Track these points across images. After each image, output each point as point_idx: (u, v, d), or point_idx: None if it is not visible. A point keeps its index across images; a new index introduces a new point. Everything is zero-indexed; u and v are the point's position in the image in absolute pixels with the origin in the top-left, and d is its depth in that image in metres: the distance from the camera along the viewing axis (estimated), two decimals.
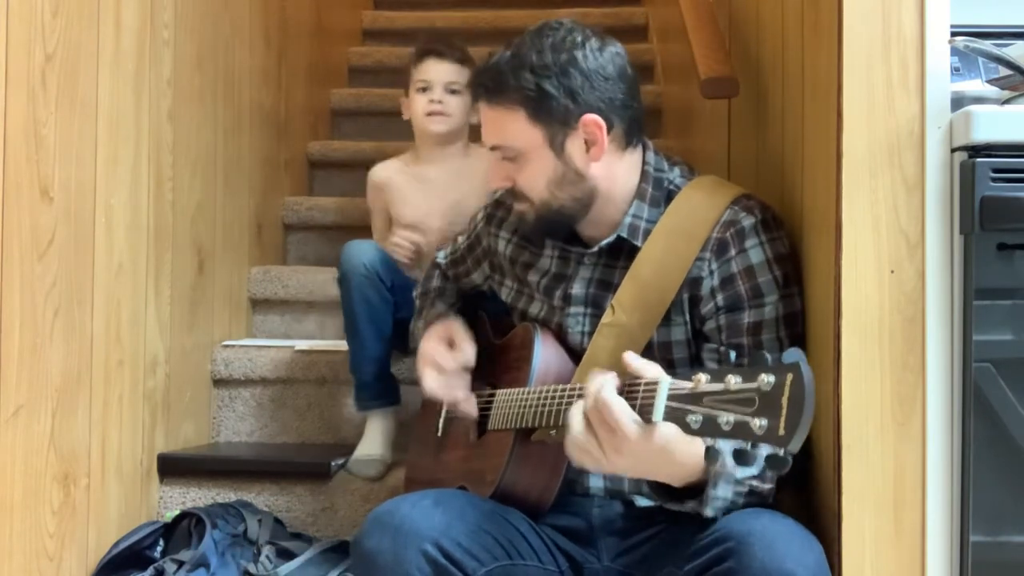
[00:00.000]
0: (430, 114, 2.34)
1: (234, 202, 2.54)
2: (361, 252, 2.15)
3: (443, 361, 1.61)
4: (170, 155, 2.14)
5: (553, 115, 1.45)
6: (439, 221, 2.36)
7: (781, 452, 1.05)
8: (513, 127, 1.46)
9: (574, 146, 1.46)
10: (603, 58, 1.46)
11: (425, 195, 2.40)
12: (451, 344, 1.64)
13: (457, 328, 1.66)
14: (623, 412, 1.18)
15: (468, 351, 1.62)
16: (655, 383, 1.17)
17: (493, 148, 1.51)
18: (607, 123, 1.45)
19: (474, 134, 2.44)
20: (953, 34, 1.32)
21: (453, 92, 2.34)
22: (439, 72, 2.34)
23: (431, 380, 1.62)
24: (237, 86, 2.54)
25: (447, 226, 2.33)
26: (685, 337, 1.47)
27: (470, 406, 1.60)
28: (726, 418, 1.07)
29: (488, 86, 1.48)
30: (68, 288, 1.76)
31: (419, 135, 2.42)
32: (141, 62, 2.01)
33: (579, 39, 1.46)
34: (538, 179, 1.48)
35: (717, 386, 1.10)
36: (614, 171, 1.50)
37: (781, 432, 1.04)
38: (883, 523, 1.30)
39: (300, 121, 3.11)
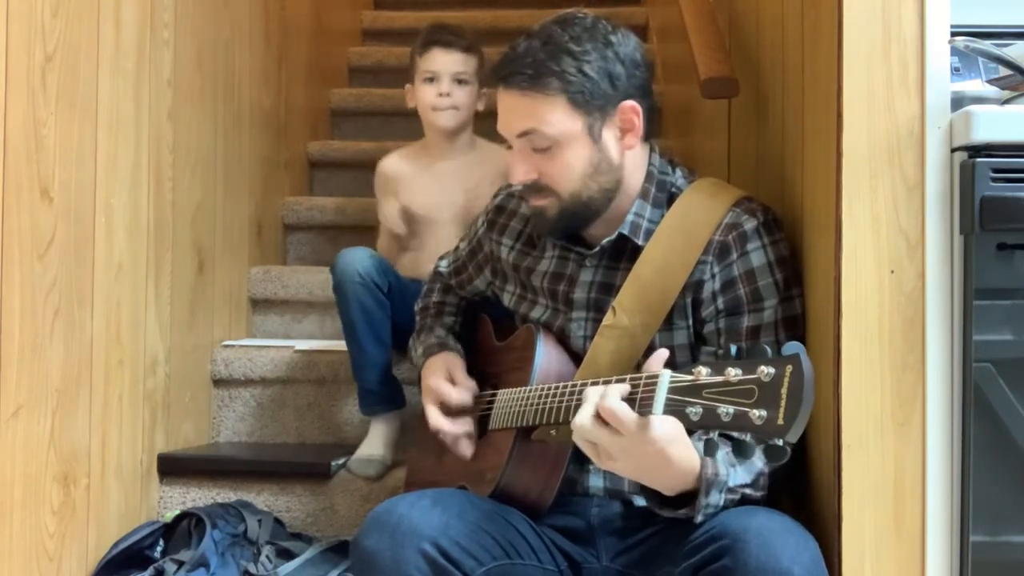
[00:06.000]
0: (437, 108, 2.33)
1: (234, 202, 2.54)
2: (355, 260, 2.14)
3: (449, 398, 1.62)
4: (170, 155, 2.14)
5: (594, 101, 1.43)
6: (449, 213, 2.37)
7: (780, 443, 1.05)
8: (552, 114, 1.42)
9: (609, 134, 1.46)
10: (632, 45, 1.47)
11: (435, 187, 2.40)
12: (452, 382, 1.64)
13: (456, 364, 1.66)
14: (624, 411, 1.18)
15: (469, 389, 1.62)
16: (655, 376, 1.17)
17: (522, 135, 1.45)
18: (642, 110, 1.46)
19: (477, 125, 2.45)
20: (953, 34, 1.32)
21: (460, 82, 2.32)
22: (446, 62, 2.32)
23: (437, 417, 1.62)
24: (237, 86, 2.54)
25: (457, 218, 2.34)
26: (687, 341, 1.47)
27: (468, 449, 1.59)
28: (725, 409, 1.08)
29: (526, 72, 1.42)
30: (68, 288, 1.76)
31: (427, 127, 2.41)
32: (141, 62, 2.01)
33: (609, 26, 1.46)
34: (572, 169, 1.45)
35: (717, 378, 1.11)
36: (634, 163, 1.51)
37: (780, 422, 1.04)
38: (883, 523, 1.30)
39: (300, 121, 3.11)
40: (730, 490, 1.29)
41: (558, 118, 1.42)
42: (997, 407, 1.28)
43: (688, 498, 1.28)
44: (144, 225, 2.04)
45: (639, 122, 1.47)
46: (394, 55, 3.58)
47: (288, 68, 2.96)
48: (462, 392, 1.62)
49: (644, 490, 1.30)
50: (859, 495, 1.29)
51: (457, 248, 1.83)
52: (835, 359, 1.30)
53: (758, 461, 1.31)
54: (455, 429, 1.60)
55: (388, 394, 2.19)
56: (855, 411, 1.29)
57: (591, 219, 1.50)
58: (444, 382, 1.64)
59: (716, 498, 1.28)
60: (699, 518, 1.28)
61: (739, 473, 1.29)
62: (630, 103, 1.46)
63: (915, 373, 1.30)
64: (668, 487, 1.27)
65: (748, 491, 1.32)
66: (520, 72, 1.43)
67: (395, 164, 2.46)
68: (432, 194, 2.39)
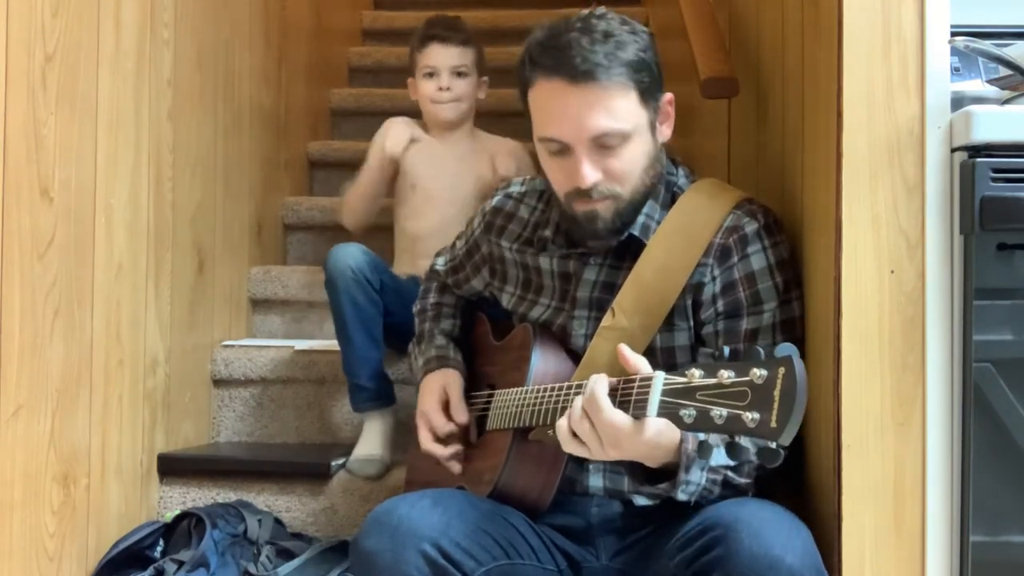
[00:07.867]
0: (438, 102, 2.38)
1: (234, 202, 2.54)
2: (347, 255, 2.14)
3: (438, 429, 1.62)
4: (170, 155, 2.14)
5: (653, 92, 1.43)
6: (448, 194, 2.40)
7: (773, 445, 1.05)
8: (626, 108, 1.39)
9: (657, 125, 1.47)
10: None
11: (436, 168, 2.43)
12: (446, 405, 1.64)
13: (453, 384, 1.65)
14: (611, 412, 1.21)
15: (461, 417, 1.62)
16: (650, 378, 1.18)
17: (597, 137, 1.39)
18: None
19: (480, 121, 2.50)
20: (953, 34, 1.32)
21: (460, 75, 2.38)
22: (444, 57, 2.37)
23: (428, 442, 1.63)
24: (237, 86, 2.54)
25: (456, 203, 2.37)
26: (688, 343, 1.47)
27: (456, 467, 1.60)
28: (718, 412, 1.09)
29: (601, 64, 1.36)
30: (68, 288, 1.76)
31: (429, 120, 2.45)
32: (141, 62, 2.01)
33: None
34: (637, 163, 1.43)
35: (710, 381, 1.11)
36: None
37: (773, 425, 1.04)
38: (883, 523, 1.30)
39: (300, 121, 3.11)
40: (712, 470, 1.30)
41: (631, 111, 1.40)
42: (997, 407, 1.28)
43: (668, 473, 1.30)
44: (144, 225, 2.04)
45: (673, 111, 1.48)
46: (394, 55, 3.58)
47: (288, 68, 2.96)
48: (452, 423, 1.62)
49: (627, 467, 1.32)
50: (859, 495, 1.29)
51: (454, 246, 1.82)
52: (835, 359, 1.30)
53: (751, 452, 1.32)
54: (444, 451, 1.60)
55: (379, 391, 2.19)
56: (855, 411, 1.29)
57: (633, 220, 1.48)
58: (437, 410, 1.63)
59: (697, 475, 1.29)
60: (681, 496, 1.29)
61: (722, 453, 1.29)
62: (669, 94, 1.47)
63: (915, 373, 1.30)
64: (652, 462, 1.29)
65: (731, 474, 1.33)
66: (597, 65, 1.36)
67: (407, 124, 2.45)
68: (432, 173, 2.43)
